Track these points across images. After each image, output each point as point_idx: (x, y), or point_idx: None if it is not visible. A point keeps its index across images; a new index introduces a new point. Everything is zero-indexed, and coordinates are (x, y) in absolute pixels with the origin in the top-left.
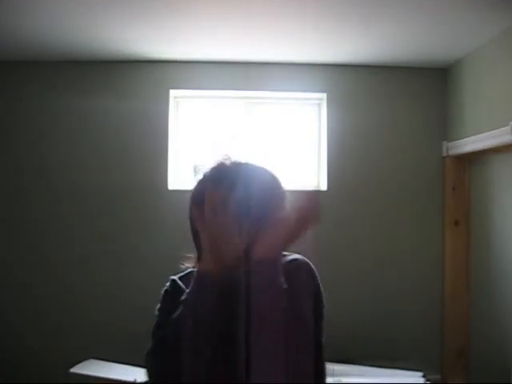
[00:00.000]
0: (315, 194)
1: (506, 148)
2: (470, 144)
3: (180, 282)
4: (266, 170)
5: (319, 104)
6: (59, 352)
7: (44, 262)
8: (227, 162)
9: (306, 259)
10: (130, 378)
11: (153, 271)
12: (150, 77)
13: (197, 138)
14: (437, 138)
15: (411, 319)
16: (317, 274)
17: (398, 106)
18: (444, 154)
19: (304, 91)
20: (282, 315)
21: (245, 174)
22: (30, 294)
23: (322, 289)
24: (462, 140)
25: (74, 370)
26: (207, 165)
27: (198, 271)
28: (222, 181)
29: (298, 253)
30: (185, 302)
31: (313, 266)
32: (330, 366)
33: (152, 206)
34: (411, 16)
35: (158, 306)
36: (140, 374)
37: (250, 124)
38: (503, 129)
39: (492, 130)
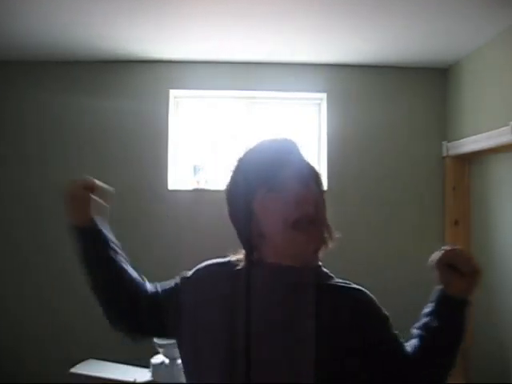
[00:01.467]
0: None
1: (506, 148)
2: (470, 144)
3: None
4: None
5: (319, 104)
6: (59, 352)
7: (44, 262)
8: (267, 140)
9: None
10: (130, 378)
11: (152, 271)
12: (150, 77)
13: (197, 138)
14: (437, 138)
15: (411, 319)
16: (377, 306)
17: (398, 106)
18: (444, 154)
19: (304, 91)
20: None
21: (291, 149)
22: (30, 294)
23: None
24: (461, 140)
25: (74, 370)
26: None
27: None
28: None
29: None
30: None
31: (373, 300)
32: None
33: (152, 206)
34: (411, 16)
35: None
36: (140, 373)
37: (250, 124)
38: (503, 129)
39: (492, 130)
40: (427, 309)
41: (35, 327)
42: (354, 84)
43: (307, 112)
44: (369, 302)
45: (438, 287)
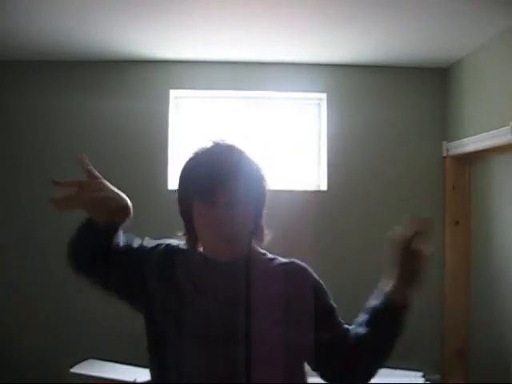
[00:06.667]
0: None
1: (506, 148)
2: (470, 144)
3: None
4: (248, 157)
5: (319, 104)
6: (59, 352)
7: (44, 262)
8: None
9: (299, 263)
10: (130, 378)
11: None
12: (150, 77)
13: (197, 138)
14: (437, 138)
15: (411, 319)
16: (310, 273)
17: (397, 106)
18: (444, 154)
19: (304, 91)
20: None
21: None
22: (31, 294)
23: (320, 284)
24: (461, 140)
25: (74, 370)
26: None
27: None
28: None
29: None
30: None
31: (307, 269)
32: None
33: (152, 206)
34: (411, 16)
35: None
36: (140, 373)
37: (249, 124)
38: (503, 129)
39: (492, 130)
40: (373, 305)
41: (35, 327)
42: (354, 84)
43: (307, 112)
44: (300, 273)
45: (385, 289)
